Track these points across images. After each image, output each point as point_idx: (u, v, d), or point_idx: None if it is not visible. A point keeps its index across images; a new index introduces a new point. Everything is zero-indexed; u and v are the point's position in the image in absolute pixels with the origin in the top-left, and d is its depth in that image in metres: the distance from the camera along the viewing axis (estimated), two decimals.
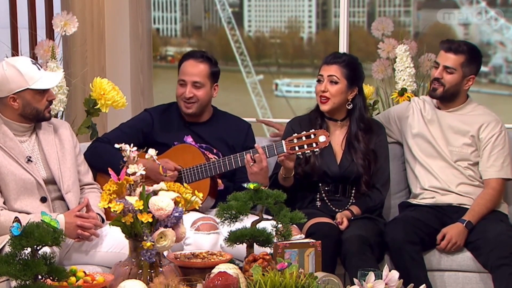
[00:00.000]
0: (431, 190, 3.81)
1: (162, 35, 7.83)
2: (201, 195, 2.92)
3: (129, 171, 2.85)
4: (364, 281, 2.59)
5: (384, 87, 4.45)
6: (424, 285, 2.78)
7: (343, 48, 4.72)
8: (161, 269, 2.79)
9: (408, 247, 3.53)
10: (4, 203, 3.26)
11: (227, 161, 3.63)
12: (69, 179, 3.41)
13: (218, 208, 3.01)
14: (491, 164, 3.77)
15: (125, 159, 2.93)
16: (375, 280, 2.59)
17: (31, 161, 3.33)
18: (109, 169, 2.88)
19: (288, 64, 8.03)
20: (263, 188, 3.04)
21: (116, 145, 2.97)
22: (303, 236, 3.29)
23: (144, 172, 2.86)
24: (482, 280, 3.61)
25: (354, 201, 3.78)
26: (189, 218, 3.44)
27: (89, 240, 3.28)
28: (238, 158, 3.62)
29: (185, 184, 2.92)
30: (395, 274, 2.63)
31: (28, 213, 3.22)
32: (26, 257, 2.43)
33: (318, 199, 3.78)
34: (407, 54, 4.29)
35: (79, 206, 3.31)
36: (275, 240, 2.98)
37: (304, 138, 3.53)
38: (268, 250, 2.98)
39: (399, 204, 3.93)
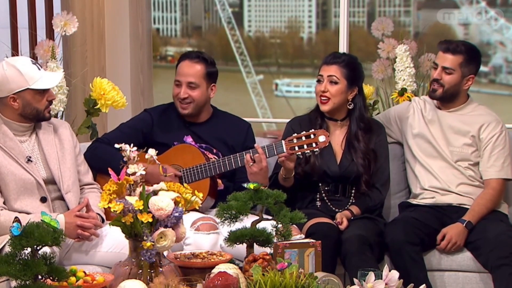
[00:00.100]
0: (431, 190, 3.81)
1: (162, 35, 7.83)
2: (201, 195, 2.92)
3: (129, 171, 2.85)
4: (364, 281, 2.59)
5: (384, 87, 4.45)
6: (424, 285, 2.78)
7: (343, 48, 4.72)
8: (161, 269, 2.79)
9: (408, 247, 3.53)
10: (4, 203, 3.26)
11: (226, 161, 3.63)
12: (69, 179, 3.41)
13: (218, 208, 3.01)
14: (492, 164, 3.77)
15: (125, 159, 2.93)
16: (375, 280, 2.59)
17: (31, 161, 3.33)
18: (109, 169, 2.88)
19: (288, 64, 8.03)
20: (263, 188, 3.05)
21: (116, 145, 2.97)
22: (303, 236, 3.29)
23: (144, 172, 2.86)
24: (482, 280, 3.61)
25: (354, 201, 3.78)
26: (189, 218, 3.44)
27: (89, 240, 3.28)
28: (238, 158, 3.62)
29: (185, 184, 2.92)
30: (395, 274, 2.63)
31: (28, 213, 3.22)
32: (26, 257, 2.43)
33: (318, 199, 3.78)
34: (407, 54, 4.29)
35: (79, 206, 3.31)
36: (275, 240, 2.98)
37: (304, 138, 3.53)
38: (268, 250, 2.98)
39: (399, 204, 3.93)
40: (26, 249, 2.43)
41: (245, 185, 3.04)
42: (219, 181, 3.77)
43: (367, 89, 4.23)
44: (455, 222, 3.65)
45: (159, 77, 5.70)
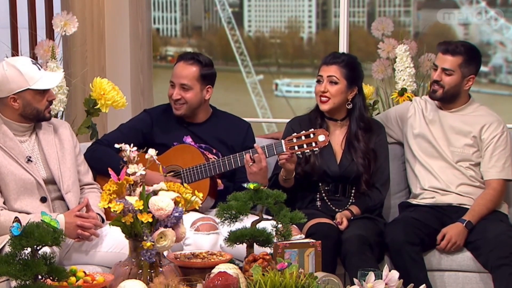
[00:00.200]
0: (431, 190, 3.81)
1: (162, 35, 7.83)
2: (201, 195, 2.92)
3: (129, 171, 2.85)
4: (364, 281, 2.59)
5: (384, 87, 4.45)
6: (424, 285, 2.78)
7: (343, 48, 4.72)
8: (161, 269, 2.79)
9: (408, 248, 3.53)
10: (4, 203, 3.26)
11: (226, 161, 3.63)
12: (69, 179, 3.41)
13: (218, 208, 3.01)
14: (493, 165, 3.77)
15: (125, 159, 2.93)
16: (375, 280, 2.59)
17: (31, 161, 3.33)
18: (109, 169, 2.88)
19: (288, 64, 8.03)
20: (263, 188, 3.04)
21: (116, 145, 2.97)
22: (303, 236, 3.29)
23: (144, 172, 2.86)
24: (482, 280, 3.61)
25: (354, 200, 3.78)
26: (189, 218, 3.44)
27: (89, 240, 3.28)
28: (238, 158, 3.62)
29: (185, 184, 2.92)
30: (395, 274, 2.63)
31: (28, 213, 3.22)
32: (26, 257, 2.43)
33: (318, 199, 3.78)
34: (407, 54, 4.29)
35: (79, 206, 3.31)
36: (275, 240, 2.98)
37: (303, 138, 3.53)
38: (268, 250, 2.98)
39: (399, 204, 3.93)
40: (26, 249, 2.43)
41: (245, 185, 3.04)
42: (219, 181, 3.77)
43: (367, 89, 4.23)
44: (455, 222, 3.65)
45: (159, 77, 5.70)
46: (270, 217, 3.06)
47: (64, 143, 3.47)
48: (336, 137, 3.81)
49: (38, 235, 2.41)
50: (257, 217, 3.04)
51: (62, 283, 2.52)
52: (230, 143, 3.84)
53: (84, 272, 2.75)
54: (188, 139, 3.82)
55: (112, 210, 2.75)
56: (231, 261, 2.97)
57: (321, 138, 3.51)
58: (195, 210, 3.35)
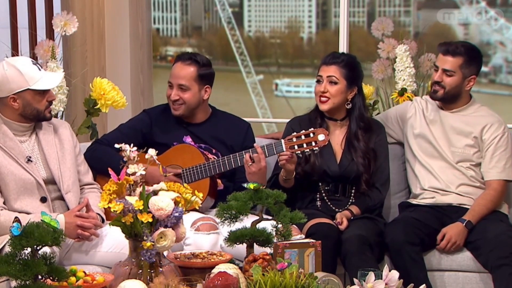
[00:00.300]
0: (431, 190, 3.81)
1: (162, 35, 7.83)
2: (201, 195, 2.92)
3: (129, 171, 2.85)
4: (364, 281, 2.59)
5: (384, 87, 4.45)
6: (424, 285, 2.78)
7: (343, 48, 4.72)
8: (161, 269, 2.79)
9: (408, 248, 3.53)
10: (4, 203, 3.26)
11: (226, 161, 3.63)
12: (69, 179, 3.41)
13: (218, 208, 3.01)
14: (493, 165, 3.77)
15: (125, 159, 2.93)
16: (375, 280, 2.59)
17: (31, 161, 3.33)
18: (109, 169, 2.88)
19: (288, 64, 8.03)
20: (263, 188, 3.05)
21: (116, 145, 2.97)
22: (303, 236, 3.29)
23: (144, 172, 2.86)
24: (482, 280, 3.61)
25: (353, 200, 3.78)
26: (189, 218, 3.44)
27: (89, 240, 3.28)
28: (238, 158, 3.62)
29: (185, 184, 2.92)
30: (395, 274, 2.63)
31: (28, 213, 3.22)
32: (26, 257, 2.43)
33: (318, 199, 3.78)
34: (407, 54, 4.29)
35: (79, 206, 3.31)
36: (275, 240, 2.98)
37: (303, 137, 3.53)
38: (268, 250, 2.98)
39: (399, 204, 3.93)
40: (26, 249, 2.43)
41: (245, 185, 3.04)
42: (219, 181, 3.77)
43: (367, 89, 4.23)
44: (455, 222, 3.65)
45: (159, 77, 5.70)
46: (270, 217, 3.06)
47: (64, 143, 3.47)
48: (336, 137, 3.81)
49: (38, 235, 2.41)
50: (257, 217, 3.04)
51: (62, 283, 2.52)
52: (229, 143, 3.84)
53: (84, 272, 2.75)
54: (188, 139, 3.82)
55: (112, 210, 2.75)
56: (231, 261, 2.97)
57: (321, 137, 3.51)
58: (195, 210, 3.35)
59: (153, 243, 2.73)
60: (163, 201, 2.75)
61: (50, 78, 3.37)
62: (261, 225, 3.01)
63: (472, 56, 3.78)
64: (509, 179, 3.79)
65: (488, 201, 3.71)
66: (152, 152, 2.98)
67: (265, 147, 3.57)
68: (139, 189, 2.82)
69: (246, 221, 3.00)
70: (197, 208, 3.00)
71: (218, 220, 3.06)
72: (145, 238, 2.74)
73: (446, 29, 6.51)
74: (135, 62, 4.90)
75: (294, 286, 2.56)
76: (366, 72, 3.92)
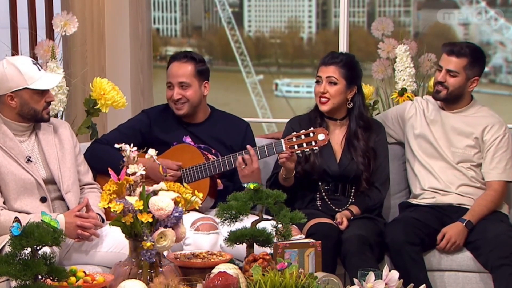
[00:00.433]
0: (431, 191, 3.81)
1: (162, 35, 7.83)
2: (201, 195, 2.92)
3: (129, 171, 2.85)
4: (364, 281, 2.59)
5: (384, 87, 4.45)
6: (424, 285, 2.78)
7: (343, 48, 4.72)
8: (161, 269, 2.79)
9: (408, 248, 3.53)
10: (4, 203, 3.26)
11: (226, 161, 3.63)
12: (68, 179, 3.41)
13: (218, 208, 3.01)
14: (494, 166, 3.77)
15: (125, 159, 2.93)
16: (375, 280, 2.59)
17: (31, 161, 3.33)
18: (109, 169, 2.88)
19: (288, 64, 8.04)
20: (262, 188, 3.05)
21: (116, 145, 2.97)
22: (303, 236, 3.29)
23: (144, 172, 2.86)
24: (482, 280, 3.61)
25: (353, 200, 3.78)
26: (189, 218, 3.44)
27: (89, 240, 3.28)
28: (238, 157, 3.61)
29: (185, 184, 2.92)
30: (395, 274, 2.62)
31: (28, 213, 3.22)
32: (26, 257, 2.43)
33: (318, 198, 3.78)
34: (407, 54, 4.29)
35: (79, 206, 3.31)
36: (275, 240, 2.98)
37: (303, 137, 3.53)
38: (268, 250, 2.98)
39: (399, 204, 3.93)
40: (26, 249, 2.43)
41: (245, 185, 3.04)
42: (219, 181, 3.77)
43: (367, 89, 4.23)
44: (455, 222, 3.65)
45: (159, 77, 5.70)
46: (270, 217, 3.06)
47: (64, 143, 3.47)
48: (336, 136, 3.81)
49: (38, 235, 2.41)
50: (257, 217, 3.04)
51: (62, 283, 2.52)
52: (229, 143, 3.84)
53: (84, 272, 2.75)
54: (188, 139, 3.82)
55: (112, 210, 2.75)
56: (231, 261, 2.97)
57: (321, 137, 3.51)
58: (195, 210, 3.35)
59: (153, 243, 2.73)
60: (163, 201, 2.75)
61: (49, 79, 3.37)
62: (261, 225, 3.01)
63: (476, 57, 3.78)
64: (509, 180, 3.79)
65: (489, 202, 3.71)
66: (152, 152, 2.99)
67: (265, 146, 3.57)
68: (139, 189, 2.82)
69: (246, 221, 3.00)
70: (197, 208, 3.00)
71: (218, 220, 3.06)
72: (145, 238, 2.74)
73: (446, 29, 6.51)
74: (135, 62, 4.90)
75: (294, 286, 2.56)
76: (366, 72, 3.92)
